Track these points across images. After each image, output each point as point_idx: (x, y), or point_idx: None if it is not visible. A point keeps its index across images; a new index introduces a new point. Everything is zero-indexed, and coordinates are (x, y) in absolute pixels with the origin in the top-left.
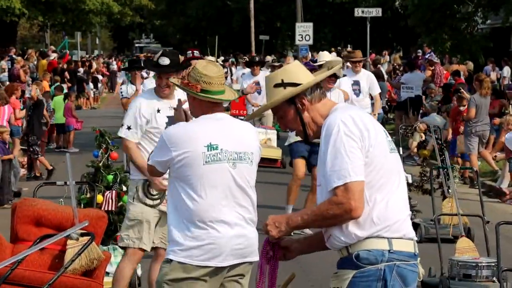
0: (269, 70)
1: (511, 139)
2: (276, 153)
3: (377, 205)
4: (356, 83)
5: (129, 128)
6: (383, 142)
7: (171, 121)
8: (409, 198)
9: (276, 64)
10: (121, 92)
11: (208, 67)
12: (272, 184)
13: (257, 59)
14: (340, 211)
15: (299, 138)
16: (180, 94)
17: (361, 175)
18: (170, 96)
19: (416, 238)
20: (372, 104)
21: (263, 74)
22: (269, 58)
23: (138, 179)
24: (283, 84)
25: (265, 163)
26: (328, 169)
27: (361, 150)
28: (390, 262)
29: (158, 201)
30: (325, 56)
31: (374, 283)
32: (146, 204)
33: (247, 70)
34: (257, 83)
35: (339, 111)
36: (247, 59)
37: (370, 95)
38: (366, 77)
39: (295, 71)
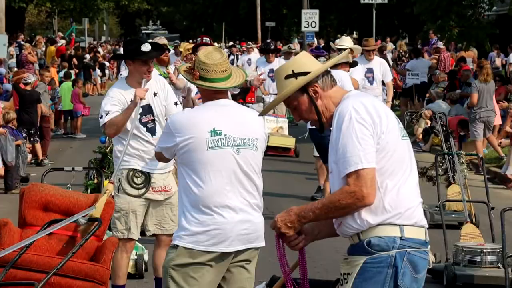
0: (282, 57)
1: None
2: (290, 142)
3: (388, 192)
4: (370, 70)
5: (107, 113)
6: (394, 129)
7: (145, 111)
8: None
9: (292, 50)
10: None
11: (210, 55)
12: (286, 172)
13: (272, 46)
14: (352, 200)
15: None
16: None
17: (372, 162)
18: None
19: (427, 226)
20: (385, 91)
21: (277, 62)
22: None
23: (122, 169)
24: (294, 75)
25: (278, 152)
26: (340, 156)
27: (373, 137)
28: (402, 249)
29: (144, 189)
30: (346, 41)
31: (385, 269)
32: (130, 195)
33: (254, 56)
34: (272, 71)
35: (351, 98)
36: (254, 46)
37: (383, 82)
38: (379, 65)
39: (304, 61)
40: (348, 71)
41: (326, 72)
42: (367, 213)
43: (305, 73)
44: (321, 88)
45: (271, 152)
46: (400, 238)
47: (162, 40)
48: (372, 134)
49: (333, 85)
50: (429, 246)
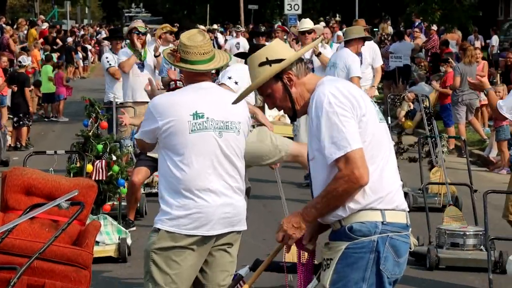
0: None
1: (501, 105)
2: (291, 131)
3: (369, 177)
4: (359, 54)
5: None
6: (372, 111)
7: None
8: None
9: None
10: (108, 62)
11: (193, 37)
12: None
13: (263, 29)
14: (347, 184)
15: None
16: None
17: (358, 142)
18: None
19: (407, 209)
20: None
21: None
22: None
23: None
24: (268, 62)
25: None
26: (326, 142)
27: (354, 119)
28: (383, 234)
29: None
30: (306, 23)
31: (367, 255)
32: None
33: (242, 40)
34: None
35: (326, 84)
36: (242, 28)
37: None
38: (369, 49)
39: (278, 48)
40: (363, 45)
41: (300, 60)
42: (348, 199)
43: (279, 60)
44: (295, 76)
45: None
46: (382, 222)
47: (137, 23)
48: (353, 116)
49: (307, 72)
50: (410, 229)
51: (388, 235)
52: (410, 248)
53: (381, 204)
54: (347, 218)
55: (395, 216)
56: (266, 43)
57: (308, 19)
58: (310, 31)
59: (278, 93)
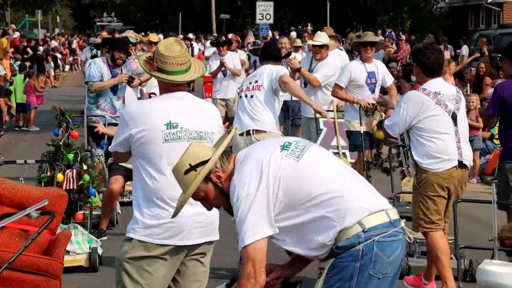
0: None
1: (387, 125)
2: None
3: (327, 209)
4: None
5: None
6: (290, 164)
7: None
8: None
9: (258, 47)
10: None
11: (170, 46)
12: None
13: (223, 38)
14: (245, 282)
15: (357, 126)
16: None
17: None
18: None
19: (386, 207)
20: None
21: (230, 55)
22: (250, 39)
23: None
24: (192, 168)
25: None
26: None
27: (270, 200)
28: (369, 240)
29: None
30: (321, 37)
31: (352, 263)
32: None
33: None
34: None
35: (235, 173)
36: (213, 39)
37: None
38: (338, 57)
39: (198, 151)
40: (372, 51)
41: (223, 153)
42: (321, 236)
43: (203, 163)
44: (223, 172)
45: None
46: (363, 231)
47: (128, 33)
48: (267, 198)
49: (230, 160)
50: (403, 221)
51: (374, 240)
52: (409, 239)
53: (353, 219)
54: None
55: (374, 219)
56: (229, 52)
57: (324, 33)
58: (322, 46)
59: (212, 193)
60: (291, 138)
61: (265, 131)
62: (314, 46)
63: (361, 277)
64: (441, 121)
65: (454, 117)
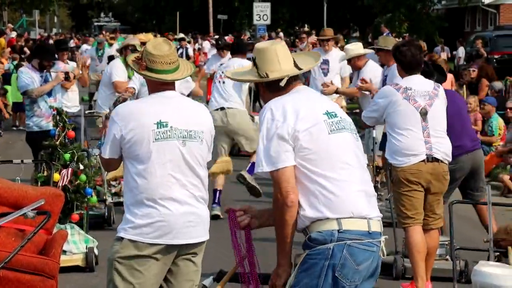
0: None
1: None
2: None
3: (321, 188)
4: (325, 62)
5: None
6: (319, 124)
7: None
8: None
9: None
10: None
11: (159, 46)
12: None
13: (224, 41)
14: (276, 206)
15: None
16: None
17: (284, 161)
18: None
19: (371, 216)
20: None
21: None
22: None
23: None
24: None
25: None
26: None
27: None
28: (341, 242)
29: None
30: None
31: (321, 261)
32: None
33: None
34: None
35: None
36: (215, 41)
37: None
38: (337, 57)
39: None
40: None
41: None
42: (305, 208)
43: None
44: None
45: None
46: (338, 231)
47: (134, 41)
48: (286, 133)
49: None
50: (383, 237)
51: (346, 243)
52: (383, 256)
53: (336, 213)
54: (309, 227)
55: (353, 223)
56: (228, 55)
57: (360, 44)
58: (328, 39)
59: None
60: (340, 112)
61: (236, 108)
62: (322, 40)
63: (328, 276)
64: (407, 116)
65: (424, 113)
